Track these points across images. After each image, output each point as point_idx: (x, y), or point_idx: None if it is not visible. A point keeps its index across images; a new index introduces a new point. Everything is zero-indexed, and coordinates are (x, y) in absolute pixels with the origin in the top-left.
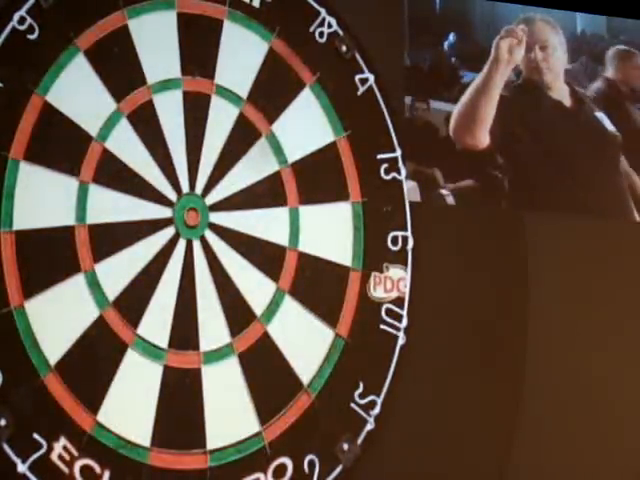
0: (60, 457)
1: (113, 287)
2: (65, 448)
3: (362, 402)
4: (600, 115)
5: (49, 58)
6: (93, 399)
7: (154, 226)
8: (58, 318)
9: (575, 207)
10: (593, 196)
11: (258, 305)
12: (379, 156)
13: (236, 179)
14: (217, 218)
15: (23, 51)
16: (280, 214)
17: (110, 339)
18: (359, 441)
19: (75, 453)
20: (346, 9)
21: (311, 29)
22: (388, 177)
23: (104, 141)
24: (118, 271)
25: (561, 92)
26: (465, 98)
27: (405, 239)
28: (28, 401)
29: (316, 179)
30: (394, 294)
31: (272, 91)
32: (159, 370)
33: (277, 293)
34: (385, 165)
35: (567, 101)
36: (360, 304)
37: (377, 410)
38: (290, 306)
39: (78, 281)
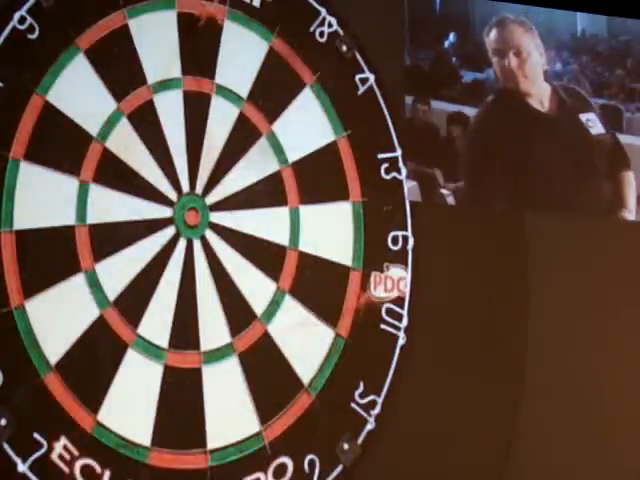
0: (60, 457)
1: (113, 287)
2: (65, 448)
3: (362, 402)
4: (586, 116)
5: (49, 58)
6: (93, 399)
7: (154, 226)
8: (58, 318)
9: (572, 207)
10: (580, 196)
11: (258, 305)
12: (379, 156)
13: (236, 179)
14: (217, 218)
15: (23, 51)
16: (280, 214)
17: (110, 339)
18: (359, 441)
19: (75, 453)
20: (346, 9)
21: (311, 29)
22: (388, 177)
23: (104, 141)
24: (118, 271)
25: (541, 96)
26: None
27: (405, 239)
28: (28, 401)
29: (316, 179)
30: (394, 294)
31: (272, 91)
32: (159, 370)
33: (277, 293)
34: (385, 165)
35: (547, 104)
36: (360, 304)
37: (377, 410)
38: (290, 306)
39: (78, 281)
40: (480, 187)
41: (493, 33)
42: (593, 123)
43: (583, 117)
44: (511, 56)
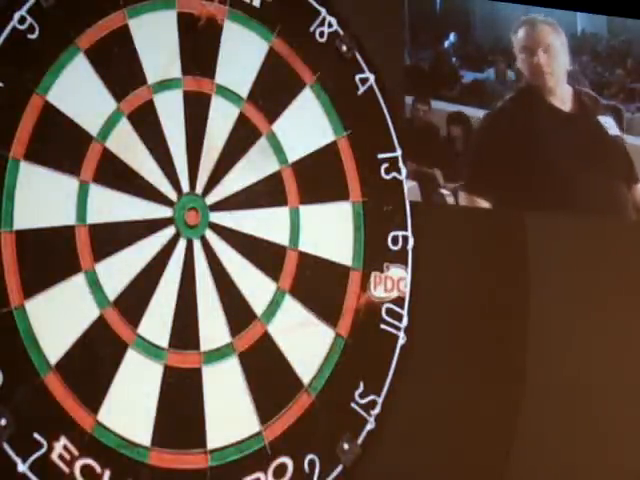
0: (60, 457)
1: (113, 287)
2: (65, 448)
3: (362, 402)
4: (604, 119)
5: (49, 58)
6: (93, 399)
7: (154, 226)
8: (58, 318)
9: (574, 207)
10: (590, 197)
11: (258, 305)
12: (379, 156)
13: (236, 179)
14: (217, 218)
15: (23, 51)
16: (280, 214)
17: (110, 339)
18: (359, 441)
19: (75, 453)
20: (346, 9)
21: (311, 29)
22: (388, 177)
23: (104, 141)
24: (118, 271)
25: (563, 95)
26: None
27: (405, 239)
28: (28, 401)
29: (316, 179)
30: (394, 294)
31: (272, 91)
32: (159, 370)
33: (277, 293)
34: (385, 165)
35: (568, 104)
36: (360, 304)
37: (377, 410)
38: (290, 306)
39: (78, 281)
40: (489, 184)
41: (522, 31)
42: (610, 126)
43: (601, 119)
44: (540, 53)
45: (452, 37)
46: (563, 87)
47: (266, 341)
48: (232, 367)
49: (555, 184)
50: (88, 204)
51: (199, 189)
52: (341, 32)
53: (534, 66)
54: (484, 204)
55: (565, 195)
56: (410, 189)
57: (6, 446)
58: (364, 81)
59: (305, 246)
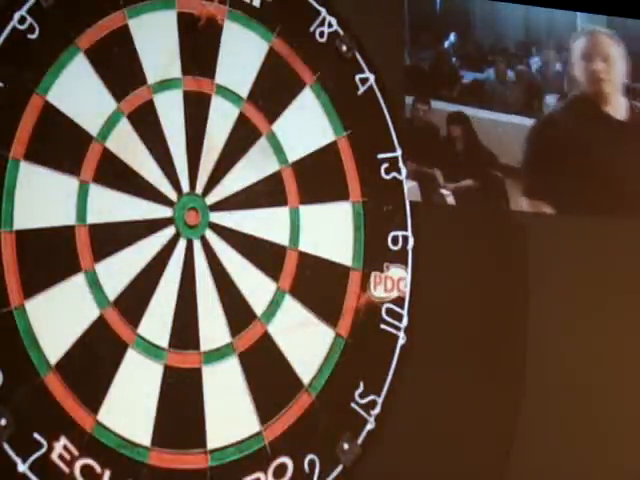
0: (60, 457)
1: (113, 287)
2: (65, 448)
3: (362, 402)
4: None
5: (49, 58)
6: (93, 399)
7: (154, 226)
8: (58, 318)
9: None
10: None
11: (258, 305)
12: (379, 156)
13: (236, 179)
14: (217, 218)
15: (23, 51)
16: (280, 214)
17: (110, 339)
18: (359, 441)
19: (75, 453)
20: (346, 9)
21: (311, 29)
22: (388, 177)
23: (104, 141)
24: (118, 271)
25: (617, 105)
26: None
27: (405, 239)
28: (28, 401)
29: (316, 179)
30: (394, 294)
31: (272, 91)
32: (159, 370)
33: (277, 293)
34: (385, 165)
35: (622, 114)
36: (360, 304)
37: (377, 410)
38: (290, 306)
39: (78, 281)
40: (551, 190)
41: (582, 40)
42: None
43: None
44: (598, 62)
45: (452, 37)
46: (618, 97)
47: (266, 341)
48: (232, 367)
49: (609, 189)
50: (88, 204)
51: (199, 189)
52: (341, 32)
53: (591, 73)
54: (548, 210)
55: (618, 200)
56: (410, 189)
57: (6, 446)
58: (364, 81)
59: (305, 246)
